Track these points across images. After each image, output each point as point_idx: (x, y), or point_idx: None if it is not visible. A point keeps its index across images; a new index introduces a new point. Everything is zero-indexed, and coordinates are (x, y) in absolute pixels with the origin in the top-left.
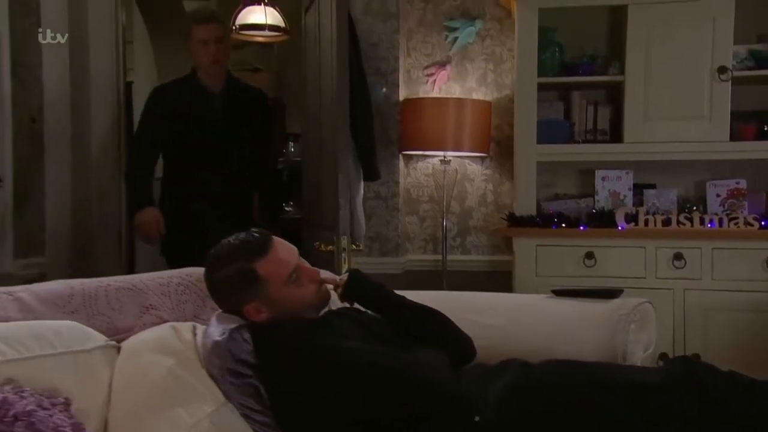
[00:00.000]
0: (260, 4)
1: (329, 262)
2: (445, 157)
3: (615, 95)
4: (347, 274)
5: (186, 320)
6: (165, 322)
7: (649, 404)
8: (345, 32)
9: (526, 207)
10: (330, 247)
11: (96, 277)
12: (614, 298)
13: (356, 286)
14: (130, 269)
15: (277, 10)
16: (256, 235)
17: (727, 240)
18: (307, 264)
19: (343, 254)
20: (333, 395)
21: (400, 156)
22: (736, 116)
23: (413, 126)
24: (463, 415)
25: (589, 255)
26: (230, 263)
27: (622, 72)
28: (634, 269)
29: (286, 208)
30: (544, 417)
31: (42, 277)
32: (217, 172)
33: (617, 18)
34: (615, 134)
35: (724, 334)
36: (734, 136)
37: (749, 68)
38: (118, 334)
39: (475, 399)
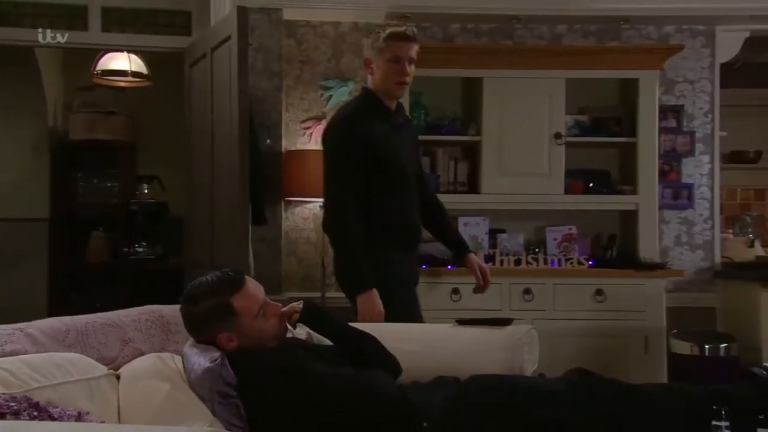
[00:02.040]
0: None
1: None
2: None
3: (472, 152)
4: (301, 303)
5: (156, 351)
6: (142, 353)
7: (558, 407)
8: (247, 89)
9: None
10: None
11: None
12: (507, 325)
13: (311, 313)
14: None
15: (139, 58)
16: (230, 273)
17: (565, 277)
18: (270, 300)
19: None
20: (303, 411)
21: (282, 202)
22: (569, 174)
23: (296, 175)
24: (414, 422)
25: (456, 291)
26: (209, 297)
27: (478, 133)
28: (493, 302)
29: (138, 249)
30: (479, 420)
31: None
32: (415, 211)
33: (474, 86)
34: (472, 186)
35: (565, 357)
36: (567, 190)
37: (576, 135)
38: (105, 365)
39: (421, 409)
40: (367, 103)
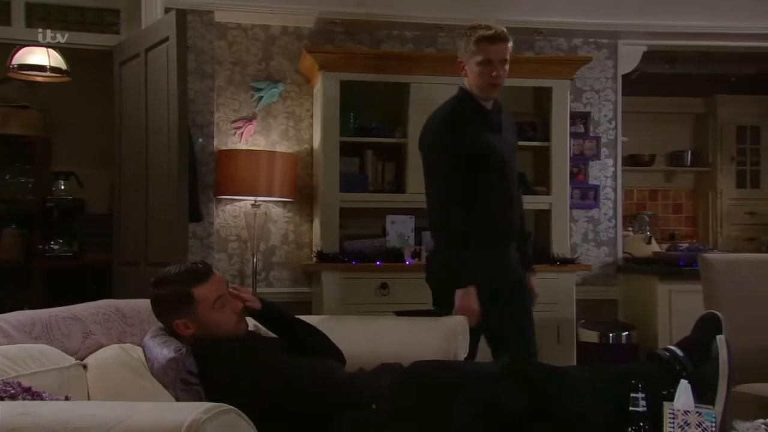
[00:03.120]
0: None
1: None
2: (255, 201)
3: (399, 154)
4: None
5: (115, 343)
6: (102, 345)
7: (494, 387)
8: (186, 91)
9: (331, 246)
10: None
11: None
12: (441, 316)
13: (270, 306)
14: None
15: (58, 53)
16: (200, 266)
17: None
18: (233, 299)
19: None
20: (261, 399)
21: (214, 200)
22: None
23: (229, 174)
24: (363, 405)
25: (384, 285)
26: (174, 284)
27: (404, 135)
28: (420, 297)
29: (53, 246)
30: (425, 402)
31: None
32: (514, 213)
33: (401, 90)
34: (399, 186)
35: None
36: None
37: None
38: (70, 356)
39: (369, 393)
40: (461, 102)
